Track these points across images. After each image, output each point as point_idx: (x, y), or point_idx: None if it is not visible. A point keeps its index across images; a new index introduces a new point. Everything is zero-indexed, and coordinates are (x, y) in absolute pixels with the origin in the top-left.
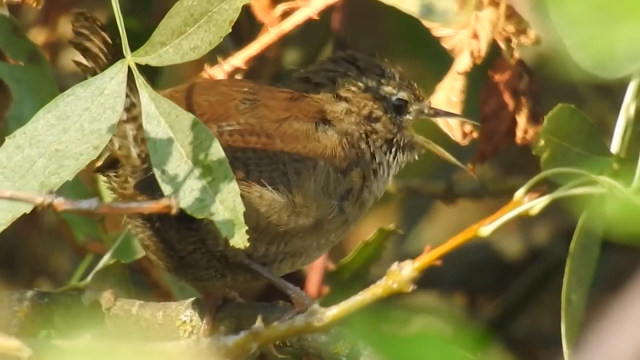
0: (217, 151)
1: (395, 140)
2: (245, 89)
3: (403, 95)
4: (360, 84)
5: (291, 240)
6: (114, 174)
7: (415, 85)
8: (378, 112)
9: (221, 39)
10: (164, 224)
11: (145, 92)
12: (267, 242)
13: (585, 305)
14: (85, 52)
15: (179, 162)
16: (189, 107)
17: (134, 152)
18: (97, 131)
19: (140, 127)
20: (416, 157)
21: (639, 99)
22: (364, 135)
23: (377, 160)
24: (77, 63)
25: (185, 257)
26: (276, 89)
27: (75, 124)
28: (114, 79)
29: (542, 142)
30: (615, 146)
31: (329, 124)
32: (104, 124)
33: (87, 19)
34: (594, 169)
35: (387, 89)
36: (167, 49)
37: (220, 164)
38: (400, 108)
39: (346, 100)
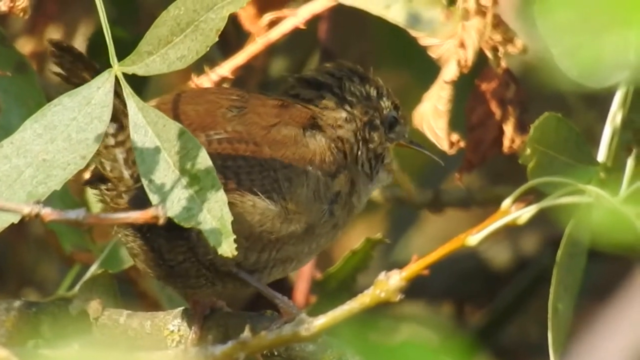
0: (204, 160)
1: (381, 155)
2: (234, 97)
3: (396, 113)
4: (363, 91)
5: (283, 247)
6: (105, 187)
7: (402, 107)
8: (377, 122)
9: (208, 48)
10: (154, 234)
11: (132, 101)
12: (259, 250)
13: (572, 314)
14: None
15: (166, 172)
16: (176, 117)
17: (126, 174)
18: (84, 141)
19: (129, 150)
20: (384, 184)
21: (626, 108)
22: (359, 142)
23: (365, 169)
24: (57, 74)
25: (175, 267)
26: (266, 97)
27: (63, 134)
28: (100, 88)
29: (528, 151)
30: (602, 155)
31: (318, 129)
32: (91, 134)
33: (62, 48)
34: (581, 178)
35: (385, 103)
36: (154, 58)
37: (207, 173)
38: (391, 125)
39: (350, 104)
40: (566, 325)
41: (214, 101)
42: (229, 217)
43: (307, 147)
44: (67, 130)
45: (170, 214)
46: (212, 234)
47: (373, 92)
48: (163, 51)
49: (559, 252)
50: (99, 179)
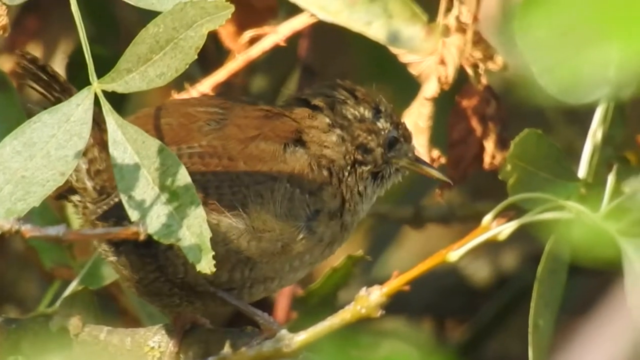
0: (183, 177)
1: (380, 173)
2: (213, 109)
3: (396, 133)
4: (357, 113)
5: (257, 266)
6: (77, 199)
7: (406, 125)
8: (372, 144)
9: (187, 66)
10: (126, 252)
11: (111, 118)
12: (228, 269)
13: (552, 330)
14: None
15: (145, 188)
16: (149, 132)
17: (89, 185)
18: (63, 158)
19: (91, 161)
20: (400, 179)
21: (606, 124)
22: (350, 163)
23: (359, 187)
24: (34, 88)
25: (148, 285)
26: (251, 106)
27: (42, 151)
28: (80, 105)
29: (508, 167)
30: (582, 171)
31: (302, 145)
32: (71, 151)
33: (28, 60)
34: (561, 194)
35: (384, 124)
36: (133, 75)
37: (186, 189)
38: (391, 145)
39: (341, 127)
40: (547, 341)
41: (191, 114)
42: (207, 234)
43: (285, 162)
44: (46, 147)
45: (150, 230)
46: (191, 251)
47: (368, 114)
48: (142, 69)
49: (540, 268)
50: (69, 190)
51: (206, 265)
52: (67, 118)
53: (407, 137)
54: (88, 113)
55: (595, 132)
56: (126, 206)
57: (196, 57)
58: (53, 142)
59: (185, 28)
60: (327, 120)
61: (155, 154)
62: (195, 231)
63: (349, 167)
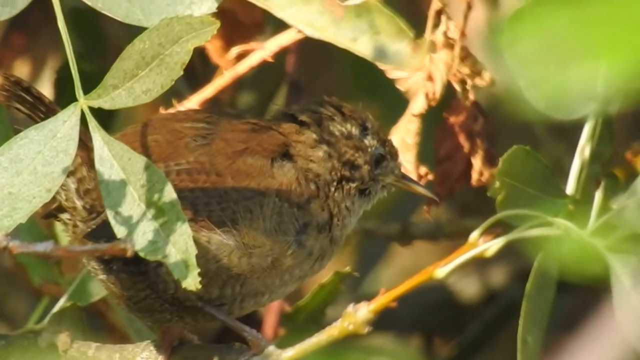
0: (169, 193)
1: (367, 190)
2: (200, 125)
3: (382, 150)
4: (344, 130)
5: (247, 281)
6: (66, 217)
7: (391, 141)
8: (359, 161)
9: (173, 82)
10: (115, 269)
11: (98, 135)
12: (219, 285)
13: (540, 347)
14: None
15: (131, 205)
16: (135, 149)
17: (79, 204)
18: (50, 174)
19: (80, 180)
20: (385, 195)
21: (594, 140)
22: (336, 178)
23: (346, 203)
24: (19, 110)
25: (138, 302)
26: (238, 120)
27: (29, 167)
28: (66, 122)
29: (497, 184)
30: (570, 188)
31: (289, 159)
32: (57, 167)
33: (12, 82)
34: (549, 210)
35: (370, 141)
36: (119, 92)
37: (172, 206)
38: (378, 162)
39: (328, 143)
40: (535, 358)
41: (177, 131)
42: (193, 251)
43: (272, 177)
44: (33, 163)
45: (136, 247)
46: (177, 267)
47: (355, 131)
48: (129, 85)
49: (528, 285)
50: (58, 209)
51: (192, 282)
52: (53, 134)
53: (394, 154)
54: (74, 129)
55: (584, 148)
56: (112, 223)
57: (182, 73)
58: (39, 158)
59: (171, 44)
60: (314, 136)
61: (142, 170)
62: (181, 248)
63: (335, 183)
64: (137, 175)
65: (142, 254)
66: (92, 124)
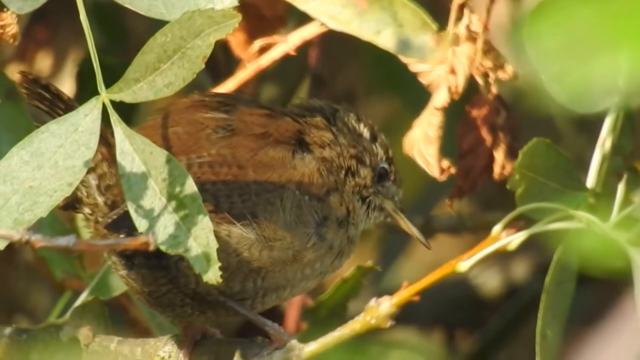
0: (190, 187)
1: (369, 199)
2: (220, 115)
3: (387, 167)
4: (357, 127)
5: (268, 275)
6: (88, 212)
7: (399, 169)
8: (365, 159)
9: (195, 75)
10: (137, 264)
11: (119, 128)
12: (241, 279)
13: (560, 341)
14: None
15: (153, 199)
16: (156, 141)
17: (100, 200)
18: (71, 168)
19: (101, 177)
20: (381, 220)
21: (616, 133)
22: (344, 166)
23: (353, 201)
24: (38, 107)
25: (160, 297)
26: (255, 105)
27: (50, 161)
28: (88, 115)
29: (516, 177)
30: (591, 181)
31: (307, 149)
32: (78, 161)
33: (30, 80)
34: (570, 203)
35: (377, 149)
36: (141, 85)
37: (193, 200)
38: (381, 177)
39: (339, 131)
40: (555, 352)
41: (198, 122)
42: (214, 245)
43: (295, 169)
44: (54, 157)
45: (156, 241)
46: (198, 261)
47: (366, 133)
48: (150, 78)
49: (547, 279)
50: (76, 203)
51: (213, 275)
52: (75, 128)
53: (397, 179)
54: (96, 123)
55: (605, 142)
56: (134, 216)
57: (204, 66)
58: (61, 152)
59: (192, 37)
60: (325, 121)
61: (163, 164)
62: (202, 242)
63: (343, 172)
64: (159, 169)
65: (163, 248)
66: (114, 117)
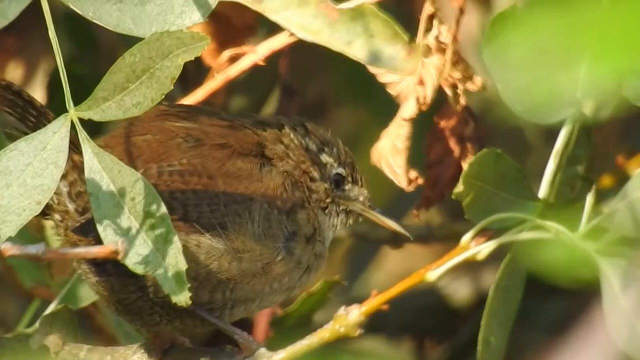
0: (159, 207)
1: (328, 209)
2: (190, 125)
3: (342, 171)
4: (303, 142)
5: (238, 287)
6: (58, 219)
7: (359, 171)
8: (314, 174)
9: (163, 96)
10: (106, 272)
11: (88, 147)
12: (210, 290)
13: (505, 348)
14: (14, 116)
15: (121, 218)
16: (127, 149)
17: (71, 207)
18: (40, 187)
19: (72, 184)
20: (351, 223)
21: (571, 144)
22: (304, 186)
23: (319, 217)
24: (10, 114)
25: (129, 305)
26: (217, 117)
27: (18, 180)
28: (57, 133)
29: (461, 187)
30: (543, 191)
31: (270, 163)
32: (47, 180)
33: (3, 87)
34: (521, 213)
35: (328, 159)
36: (110, 104)
37: (163, 220)
38: (338, 183)
39: (287, 147)
40: (499, 359)
41: (170, 130)
42: (184, 265)
43: (261, 181)
44: (22, 176)
45: (125, 261)
46: (167, 282)
47: (312, 147)
48: (119, 97)
49: (493, 286)
50: (47, 210)
51: (183, 297)
52: (43, 146)
53: (358, 180)
54: (65, 141)
55: (559, 153)
56: (102, 235)
57: (172, 88)
58: (29, 170)
59: (161, 58)
60: (275, 135)
61: (132, 183)
62: (171, 262)
63: (304, 187)
64: (128, 188)
65: (132, 268)
66: (82, 135)
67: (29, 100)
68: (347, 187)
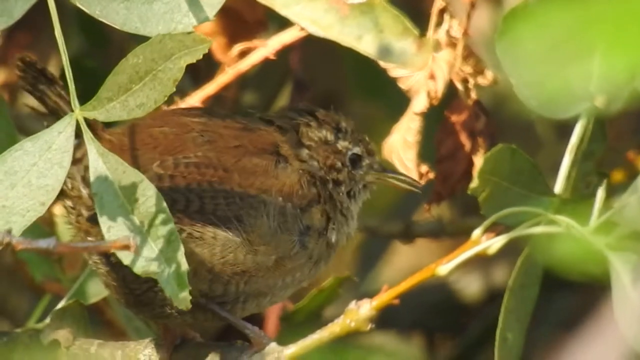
0: (162, 208)
1: (351, 191)
2: (204, 120)
3: (357, 150)
4: (321, 136)
5: (251, 280)
6: (70, 206)
7: (367, 139)
8: (339, 164)
9: (166, 98)
10: (119, 261)
11: (93, 147)
12: (224, 282)
13: (522, 344)
14: (34, 95)
15: (125, 218)
16: (143, 139)
17: (84, 192)
18: (44, 187)
19: (87, 169)
20: (368, 195)
21: (586, 139)
22: (330, 182)
23: (344, 205)
24: (30, 107)
25: (140, 295)
26: (230, 118)
27: (23, 180)
28: (62, 133)
29: (477, 182)
30: (559, 186)
31: (286, 161)
32: (52, 180)
33: (27, 63)
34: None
35: (344, 143)
36: (114, 104)
37: (165, 222)
38: (354, 162)
39: (308, 148)
40: (515, 355)
41: (186, 124)
42: (185, 267)
43: (276, 178)
44: (27, 176)
45: (128, 262)
46: (169, 285)
47: (330, 137)
48: (123, 98)
49: (510, 281)
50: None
51: (183, 300)
52: (48, 146)
53: (370, 150)
54: (69, 141)
55: (575, 147)
56: (106, 235)
57: (174, 89)
58: (34, 171)
59: (163, 60)
60: (294, 140)
61: (136, 184)
62: (173, 264)
63: (330, 185)
64: (131, 188)
65: (133, 269)
66: (87, 135)
67: (51, 78)
68: (363, 163)
